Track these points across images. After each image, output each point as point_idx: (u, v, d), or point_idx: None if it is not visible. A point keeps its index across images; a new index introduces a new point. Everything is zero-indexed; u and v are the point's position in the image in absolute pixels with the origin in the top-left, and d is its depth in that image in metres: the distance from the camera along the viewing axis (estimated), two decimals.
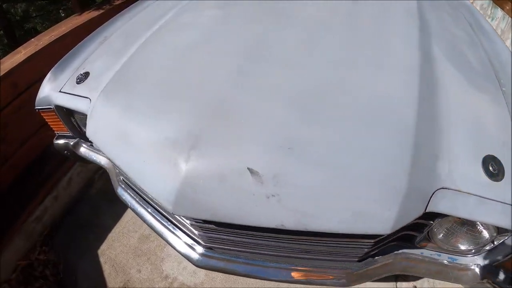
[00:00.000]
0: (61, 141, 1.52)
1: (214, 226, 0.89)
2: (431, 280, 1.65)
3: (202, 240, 1.02)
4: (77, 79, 1.29)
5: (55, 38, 1.91)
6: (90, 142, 1.48)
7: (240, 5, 1.37)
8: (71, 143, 1.48)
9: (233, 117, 0.85)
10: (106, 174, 2.12)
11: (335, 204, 0.76)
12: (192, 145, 0.80)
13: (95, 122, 1.04)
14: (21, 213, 1.76)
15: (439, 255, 1.00)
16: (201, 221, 0.88)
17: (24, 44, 1.89)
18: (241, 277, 1.57)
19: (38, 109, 1.41)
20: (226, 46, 1.12)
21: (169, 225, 1.09)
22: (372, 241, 0.89)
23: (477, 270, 0.95)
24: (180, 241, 1.06)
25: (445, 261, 0.99)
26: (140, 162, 0.87)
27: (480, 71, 1.10)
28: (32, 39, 1.92)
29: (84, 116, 1.31)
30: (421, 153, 0.80)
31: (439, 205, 0.77)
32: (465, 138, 0.86)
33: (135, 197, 1.17)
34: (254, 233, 0.90)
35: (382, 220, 0.75)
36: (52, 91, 1.33)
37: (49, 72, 1.42)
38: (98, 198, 2.00)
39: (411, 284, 1.65)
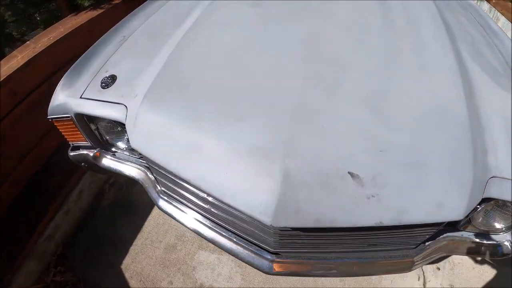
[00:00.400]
0: (77, 152, 1.34)
1: (300, 232, 0.82)
2: (450, 261, 1.69)
3: (271, 247, 0.94)
4: (102, 84, 1.12)
5: (55, 40, 1.68)
6: (113, 151, 1.32)
7: (274, 4, 1.28)
8: (91, 154, 1.30)
9: (316, 122, 0.82)
10: (117, 184, 1.95)
11: (423, 199, 0.80)
12: (286, 153, 0.76)
13: (143, 132, 0.90)
14: (31, 233, 1.55)
15: (476, 235, 1.06)
16: (289, 229, 0.79)
17: (20, 48, 1.65)
18: (281, 278, 1.49)
19: (52, 118, 1.22)
20: (279, 47, 1.05)
21: (230, 235, 0.99)
22: (437, 228, 0.95)
23: (509, 244, 1.02)
24: (245, 251, 0.97)
25: (481, 240, 1.05)
26: (220, 174, 0.78)
27: (501, 72, 1.15)
28: (28, 42, 1.68)
29: (111, 124, 1.16)
30: (476, 148, 0.87)
31: (491, 192, 0.85)
32: (501, 132, 0.93)
33: (182, 209, 1.04)
34: (338, 233, 0.86)
35: (457, 208, 0.81)
36: (70, 98, 1.15)
37: (63, 77, 1.23)
38: (112, 210, 1.82)
39: (434, 266, 1.67)
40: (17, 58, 1.58)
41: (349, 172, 0.77)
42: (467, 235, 1.05)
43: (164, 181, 1.01)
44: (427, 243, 1.04)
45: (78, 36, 1.81)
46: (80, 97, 1.13)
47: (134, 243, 1.65)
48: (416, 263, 1.03)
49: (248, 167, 0.77)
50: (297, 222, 0.75)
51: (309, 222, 0.75)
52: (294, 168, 0.75)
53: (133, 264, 1.58)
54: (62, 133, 1.31)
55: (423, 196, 0.80)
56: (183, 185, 0.92)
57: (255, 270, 1.54)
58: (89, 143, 1.28)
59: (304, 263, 0.98)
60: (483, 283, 1.59)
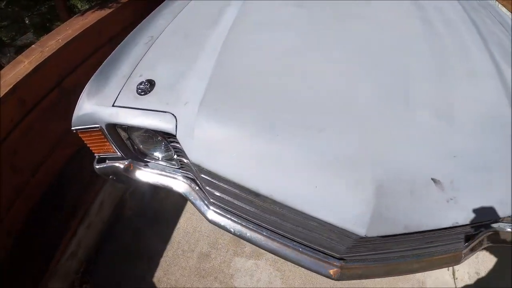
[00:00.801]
0: (105, 165, 1.17)
1: (380, 238, 0.77)
2: None
3: (340, 253, 0.87)
4: (138, 90, 0.95)
5: (64, 42, 1.46)
6: (145, 162, 1.15)
7: (314, 4, 1.18)
8: (121, 166, 1.13)
9: (395, 130, 0.79)
10: (138, 192, 1.77)
11: (490, 198, 0.81)
12: (375, 163, 0.72)
13: (205, 145, 0.77)
14: (53, 251, 1.36)
15: (511, 226, 1.06)
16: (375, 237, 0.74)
17: (25, 52, 1.42)
18: (322, 279, 1.39)
19: (77, 129, 1.04)
20: (334, 52, 0.97)
21: (295, 245, 0.89)
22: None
23: None
24: (311, 259, 0.89)
25: None
26: (308, 189, 0.70)
27: None
28: (33, 45, 1.45)
29: (149, 133, 1.00)
30: None
31: None
32: None
33: (239, 221, 0.91)
34: (410, 236, 0.82)
35: None
36: (99, 106, 0.98)
37: (89, 83, 1.05)
38: (136, 220, 1.65)
39: None
40: (24, 64, 1.36)
41: (432, 178, 0.77)
42: (503, 226, 1.05)
43: (220, 194, 0.88)
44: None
45: (87, 38, 1.59)
46: (113, 105, 0.96)
47: (164, 254, 1.50)
48: (464, 255, 1.04)
49: (338, 179, 0.71)
50: (389, 230, 0.73)
51: (398, 229, 0.73)
52: (384, 178, 0.72)
53: (166, 276, 1.43)
54: (88, 145, 1.13)
55: (490, 196, 0.81)
56: (247, 198, 0.80)
57: (295, 273, 1.46)
58: (119, 154, 1.11)
59: (370, 266, 0.95)
60: (505, 269, 1.58)
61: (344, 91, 0.85)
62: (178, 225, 1.59)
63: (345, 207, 0.70)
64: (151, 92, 0.93)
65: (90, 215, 1.53)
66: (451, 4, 1.38)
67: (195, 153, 0.77)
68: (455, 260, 1.05)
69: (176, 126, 0.83)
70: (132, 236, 1.58)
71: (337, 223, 0.69)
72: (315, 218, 0.70)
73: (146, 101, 0.92)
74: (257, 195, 0.74)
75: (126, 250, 1.54)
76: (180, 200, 1.68)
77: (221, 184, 0.80)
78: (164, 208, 1.67)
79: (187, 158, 0.90)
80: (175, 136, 0.85)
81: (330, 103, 0.81)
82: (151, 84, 0.95)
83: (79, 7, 2.55)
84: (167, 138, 0.94)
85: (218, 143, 0.76)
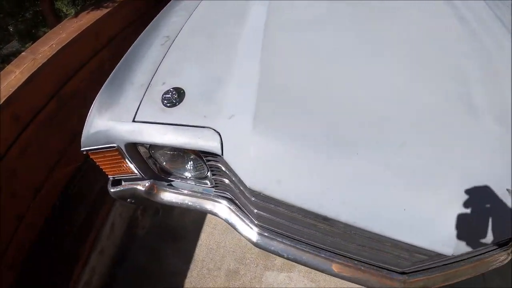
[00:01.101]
0: (122, 188, 1.00)
1: None
2: None
3: (403, 268, 0.79)
4: (164, 101, 0.79)
5: (58, 47, 1.26)
6: (168, 181, 0.99)
7: (344, 2, 1.05)
8: (142, 188, 0.97)
9: (467, 140, 0.72)
10: (151, 210, 1.59)
11: None
12: (460, 180, 0.66)
13: (268, 168, 0.63)
14: (66, 283, 1.18)
15: None
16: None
17: (15, 61, 1.21)
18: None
19: (88, 150, 0.86)
20: (386, 54, 0.86)
21: (356, 264, 0.79)
22: None
23: None
24: (374, 277, 0.80)
25: None
26: (396, 212, 0.61)
27: None
28: (24, 53, 1.24)
29: (178, 151, 0.84)
30: None
31: None
32: None
33: (293, 244, 0.79)
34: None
35: None
36: (116, 122, 0.82)
37: (99, 95, 0.89)
38: (152, 239, 1.48)
39: None
40: (15, 74, 1.16)
41: (507, 189, 0.73)
42: None
43: (271, 217, 0.74)
44: None
45: (84, 40, 1.39)
46: (133, 121, 0.79)
47: (188, 275, 1.35)
48: (509, 254, 0.99)
49: (427, 199, 0.63)
50: (472, 246, 0.67)
51: (480, 243, 0.68)
52: (469, 193, 0.66)
53: None
54: (101, 167, 0.96)
55: None
56: (311, 223, 0.68)
57: (330, 283, 1.34)
58: (138, 174, 0.95)
59: (430, 277, 0.88)
60: None
61: (410, 98, 0.74)
62: (200, 242, 1.44)
63: (433, 228, 0.62)
64: (181, 103, 0.77)
65: (101, 239, 1.35)
66: (477, 3, 1.31)
67: (255, 178, 0.63)
68: (504, 259, 0.99)
69: (222, 144, 0.68)
70: (149, 257, 1.42)
71: (426, 246, 0.62)
72: (399, 241, 0.61)
73: (176, 114, 0.76)
74: (327, 219, 0.61)
75: (145, 273, 1.37)
76: (198, 215, 1.53)
77: (281, 209, 0.67)
78: (181, 224, 1.52)
79: (232, 180, 0.75)
80: (217, 155, 0.70)
81: (400, 114, 0.71)
82: (179, 93, 0.79)
83: (65, 11, 2.33)
84: (203, 157, 0.79)
85: (284, 166, 0.62)
